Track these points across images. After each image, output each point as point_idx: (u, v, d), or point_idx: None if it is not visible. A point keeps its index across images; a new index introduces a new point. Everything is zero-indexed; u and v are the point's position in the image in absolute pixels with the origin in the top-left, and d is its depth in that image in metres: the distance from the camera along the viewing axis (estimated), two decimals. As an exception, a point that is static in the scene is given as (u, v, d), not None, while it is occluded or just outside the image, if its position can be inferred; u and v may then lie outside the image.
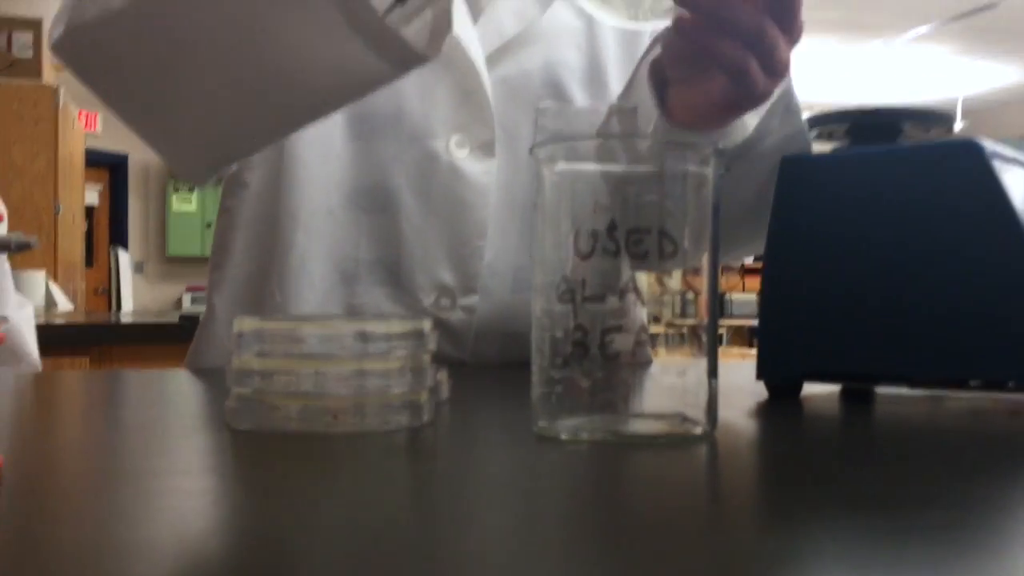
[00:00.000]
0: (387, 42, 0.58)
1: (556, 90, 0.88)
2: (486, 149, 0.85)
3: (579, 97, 0.88)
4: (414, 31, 0.60)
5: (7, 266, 1.53)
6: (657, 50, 0.67)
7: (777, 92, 0.72)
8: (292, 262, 0.84)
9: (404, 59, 0.60)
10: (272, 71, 0.63)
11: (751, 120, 0.70)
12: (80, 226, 4.95)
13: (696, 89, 0.63)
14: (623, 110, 0.71)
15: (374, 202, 0.85)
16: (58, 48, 0.68)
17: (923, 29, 5.98)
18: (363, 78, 0.63)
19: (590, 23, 0.91)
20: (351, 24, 0.57)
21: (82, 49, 0.67)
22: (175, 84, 0.66)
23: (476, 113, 0.84)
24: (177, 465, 0.43)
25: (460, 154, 0.84)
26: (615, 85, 0.88)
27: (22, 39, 4.21)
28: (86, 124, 5.18)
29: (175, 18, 0.61)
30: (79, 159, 4.97)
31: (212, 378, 0.78)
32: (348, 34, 0.57)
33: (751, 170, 0.72)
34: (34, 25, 4.29)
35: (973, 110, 7.72)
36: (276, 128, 0.73)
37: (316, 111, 0.72)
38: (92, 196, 6.43)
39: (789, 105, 0.74)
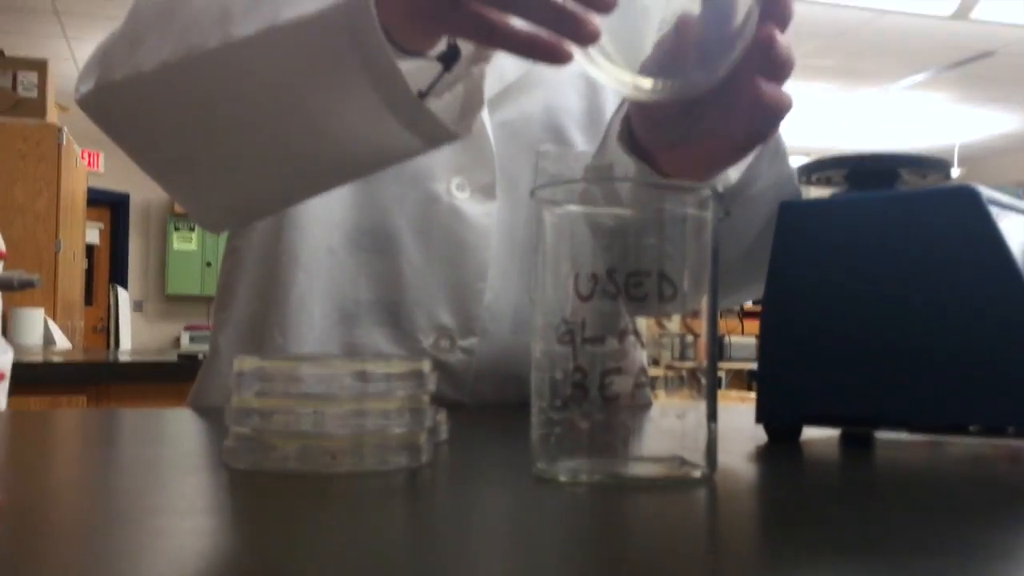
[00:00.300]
0: (422, 123, 0.59)
1: (556, 134, 0.89)
2: (487, 191, 0.85)
3: (579, 141, 0.89)
4: (445, 104, 0.61)
5: None
6: (625, 108, 0.68)
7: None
8: (292, 302, 0.84)
9: (436, 137, 0.61)
10: (303, 142, 0.64)
11: (733, 172, 0.70)
12: (80, 264, 4.96)
13: (697, 148, 0.62)
14: (599, 168, 0.71)
15: (375, 243, 0.85)
16: (85, 103, 0.69)
17: (920, 77, 6.04)
18: (394, 152, 0.65)
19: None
20: (388, 104, 0.57)
21: (110, 107, 0.69)
22: (202, 146, 0.67)
23: (477, 156, 0.84)
24: (175, 504, 0.43)
25: (461, 196, 0.85)
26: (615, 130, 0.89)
27: (27, 79, 4.25)
28: (89, 163, 5.21)
29: (207, 86, 0.62)
30: (81, 198, 4.99)
31: (212, 417, 0.78)
32: (384, 113, 0.58)
33: (743, 217, 0.72)
34: (39, 65, 4.33)
35: (970, 157, 7.77)
36: (302, 192, 0.74)
37: (344, 178, 0.74)
38: (93, 234, 6.45)
39: (777, 150, 0.75)
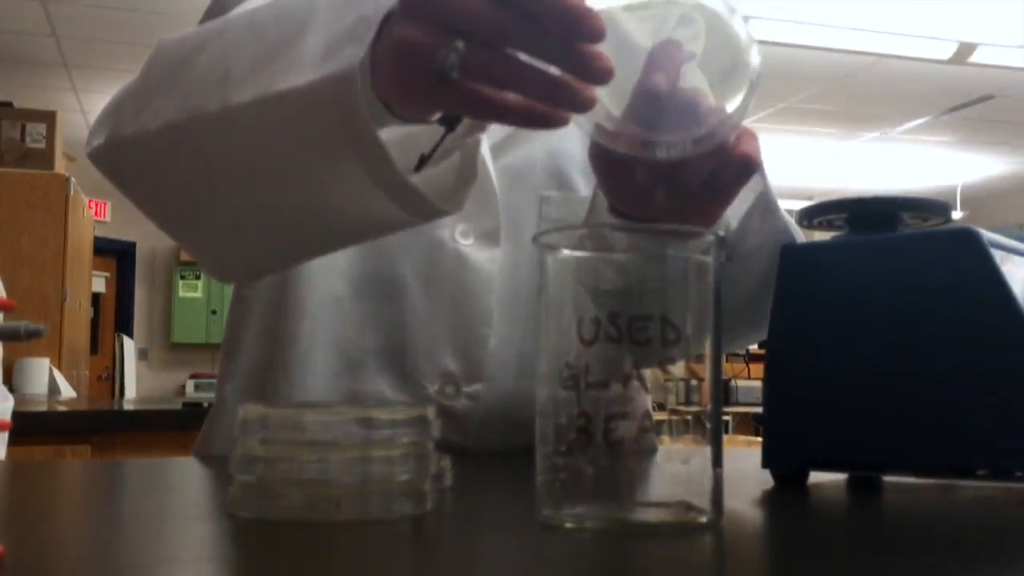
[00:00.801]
0: (410, 199, 0.60)
1: (559, 179, 0.89)
2: (491, 238, 0.86)
3: (582, 186, 0.90)
4: (441, 173, 0.62)
5: None
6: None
7: (752, 195, 0.73)
8: (298, 351, 0.84)
9: (425, 213, 0.62)
10: (298, 208, 0.66)
11: (732, 220, 0.71)
12: (86, 313, 4.97)
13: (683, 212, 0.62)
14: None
15: (380, 290, 0.85)
16: (96, 157, 0.71)
17: (920, 120, 6.08)
18: (387, 223, 0.66)
19: None
20: (375, 180, 0.58)
21: (119, 161, 0.70)
22: (205, 204, 0.68)
23: (482, 202, 0.85)
24: (180, 554, 0.43)
25: (465, 243, 0.85)
26: None
27: (36, 130, 4.30)
28: (96, 212, 5.25)
29: (207, 148, 0.64)
30: (87, 247, 5.02)
31: (216, 466, 0.77)
32: (372, 188, 0.59)
33: (742, 271, 0.73)
34: (47, 117, 4.38)
35: (971, 199, 7.79)
36: (306, 253, 0.76)
37: (343, 243, 0.75)
38: (99, 283, 6.48)
39: (768, 206, 0.76)
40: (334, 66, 0.54)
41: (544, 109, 0.51)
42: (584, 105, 0.50)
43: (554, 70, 0.50)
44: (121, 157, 0.69)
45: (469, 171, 0.64)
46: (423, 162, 0.60)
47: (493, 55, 0.50)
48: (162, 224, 0.73)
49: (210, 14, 0.84)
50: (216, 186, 0.66)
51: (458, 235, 0.86)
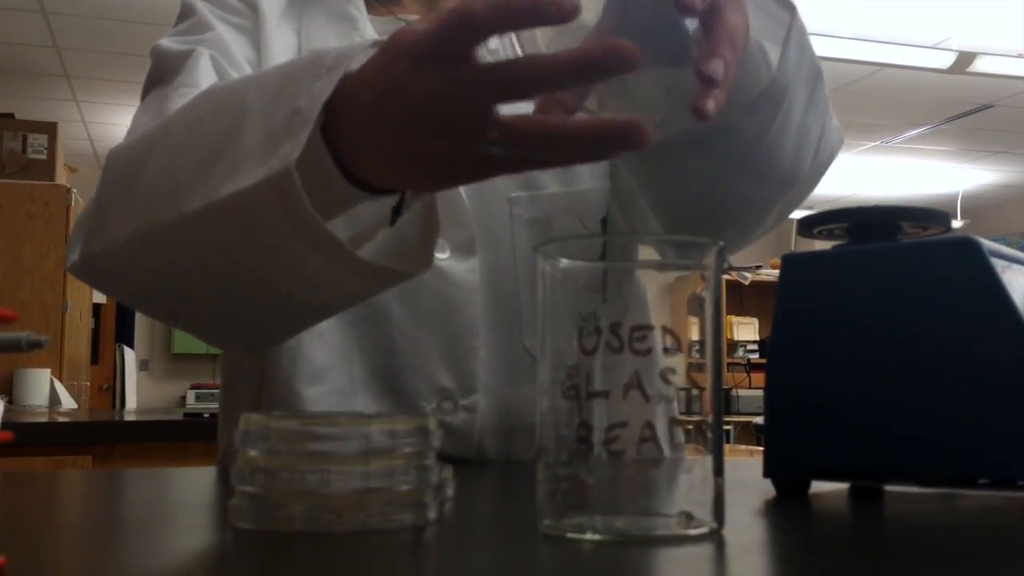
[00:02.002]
0: (377, 275, 0.63)
1: (525, 178, 0.89)
2: (467, 248, 0.86)
3: (548, 182, 0.89)
4: (404, 228, 0.65)
5: None
6: None
7: (782, 28, 0.72)
8: (289, 388, 0.84)
9: (394, 280, 0.65)
10: (271, 298, 0.68)
11: (772, 53, 0.71)
12: (87, 324, 4.97)
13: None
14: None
15: (364, 316, 0.85)
16: (74, 271, 0.74)
17: (920, 129, 6.09)
18: (364, 292, 0.69)
19: None
20: (339, 267, 0.60)
21: (96, 275, 0.74)
22: (187, 301, 0.71)
23: (452, 215, 0.84)
24: (180, 565, 0.43)
25: (442, 256, 0.85)
26: (583, 168, 0.89)
27: (37, 141, 4.31)
28: (97, 223, 5.24)
29: (172, 256, 0.66)
30: (88, 257, 5.02)
31: (217, 476, 0.77)
32: (336, 270, 0.61)
33: (783, 102, 0.74)
34: (48, 128, 4.39)
35: (972, 208, 7.80)
36: (296, 327, 0.78)
37: (331, 313, 0.77)
38: (100, 294, 6.48)
39: (803, 43, 0.75)
40: (274, 165, 0.55)
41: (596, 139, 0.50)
42: (637, 138, 0.49)
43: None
44: (97, 272, 0.73)
45: (431, 221, 0.65)
46: (397, 213, 0.63)
47: (530, 124, 0.50)
48: (157, 318, 0.77)
49: (152, 83, 0.86)
50: (190, 286, 0.68)
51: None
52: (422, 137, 0.52)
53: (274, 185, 0.55)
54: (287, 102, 0.57)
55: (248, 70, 0.86)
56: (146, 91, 0.86)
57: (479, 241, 0.86)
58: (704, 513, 0.46)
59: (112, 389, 5.98)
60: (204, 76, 0.81)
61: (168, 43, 0.86)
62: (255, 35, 0.89)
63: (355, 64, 0.55)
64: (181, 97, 0.78)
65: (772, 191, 0.83)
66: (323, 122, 0.55)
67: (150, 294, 0.73)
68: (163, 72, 0.85)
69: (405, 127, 0.52)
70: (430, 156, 0.52)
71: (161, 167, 0.65)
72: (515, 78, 0.49)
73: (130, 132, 0.81)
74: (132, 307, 0.77)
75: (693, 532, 0.45)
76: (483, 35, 0.49)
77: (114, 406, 5.84)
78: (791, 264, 0.66)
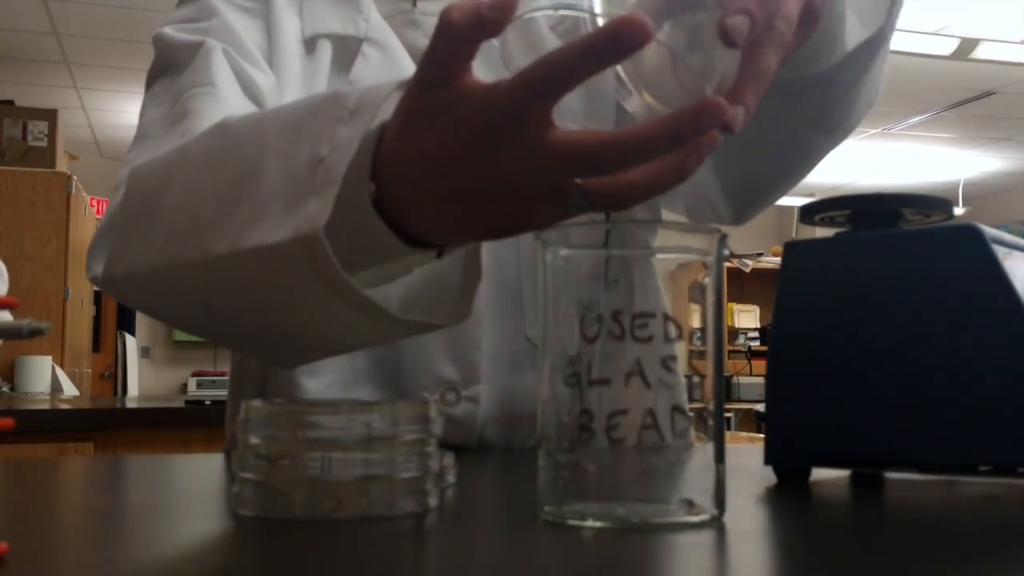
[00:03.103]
0: (411, 326, 0.60)
1: None
2: None
3: None
4: (446, 269, 0.62)
5: None
6: None
7: (867, 32, 0.70)
8: (294, 381, 0.84)
9: (429, 329, 0.63)
10: (301, 334, 0.67)
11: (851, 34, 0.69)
12: (88, 311, 4.98)
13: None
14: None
15: None
16: (96, 284, 0.73)
17: (922, 117, 6.07)
18: (390, 337, 0.69)
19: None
20: (371, 318, 0.58)
21: (121, 294, 0.73)
22: (212, 326, 0.71)
23: None
24: (181, 552, 0.43)
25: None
26: None
27: (37, 128, 4.30)
28: (98, 210, 5.25)
29: (196, 289, 0.64)
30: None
31: (219, 463, 0.78)
32: (369, 323, 0.59)
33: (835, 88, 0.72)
34: (49, 115, 4.38)
35: (974, 195, 7.79)
36: (321, 357, 0.77)
37: (350, 350, 0.77)
38: (101, 281, 6.49)
39: (883, 53, 0.73)
40: (301, 227, 0.52)
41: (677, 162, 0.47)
42: (729, 120, 0.46)
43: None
44: (121, 291, 0.72)
45: (475, 269, 0.62)
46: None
47: (607, 180, 0.48)
48: (185, 332, 0.76)
49: (158, 72, 0.84)
50: (217, 316, 0.67)
51: None
52: (495, 207, 0.49)
53: (302, 248, 0.53)
54: (308, 145, 0.54)
55: (260, 59, 0.84)
56: (151, 81, 0.84)
57: None
58: (705, 500, 0.46)
59: (114, 376, 5.99)
60: (219, 74, 0.79)
61: (173, 32, 0.84)
62: (264, 17, 0.86)
63: (385, 110, 0.52)
64: (196, 99, 0.76)
65: (834, 142, 0.80)
66: (372, 193, 0.52)
67: (176, 317, 0.73)
68: (169, 62, 0.83)
69: (476, 199, 0.49)
70: (500, 218, 0.50)
71: (181, 199, 0.63)
72: (603, 159, 0.46)
73: (141, 129, 0.79)
74: (157, 321, 0.78)
75: (694, 519, 0.46)
76: (564, 90, 0.45)
77: (115, 393, 5.85)
78: (793, 252, 0.66)
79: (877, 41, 0.71)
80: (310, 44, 0.87)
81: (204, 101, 0.76)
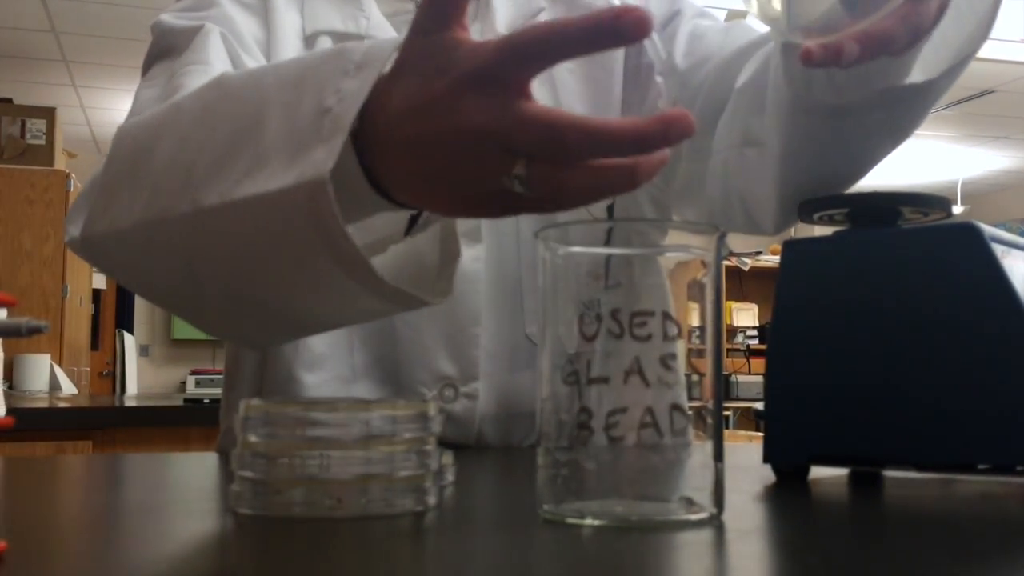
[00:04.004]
0: (395, 296, 0.59)
1: None
2: (473, 235, 0.85)
3: None
4: (423, 245, 0.62)
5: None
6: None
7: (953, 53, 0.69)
8: (291, 374, 0.84)
9: (415, 304, 0.62)
10: (279, 301, 0.65)
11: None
12: (87, 309, 4.97)
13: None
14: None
15: None
16: (74, 248, 0.71)
17: (921, 115, 6.07)
18: (377, 312, 0.67)
19: (555, 92, 0.92)
20: (357, 282, 0.57)
21: (97, 255, 0.71)
22: (191, 292, 0.67)
23: None
24: (180, 550, 0.43)
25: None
26: None
27: (36, 126, 4.30)
28: (96, 209, 5.24)
29: (184, 244, 0.63)
30: (88, 243, 5.01)
31: (218, 462, 0.78)
32: (354, 288, 0.58)
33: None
34: (47, 113, 4.38)
35: (972, 194, 7.79)
36: (299, 334, 0.76)
37: (339, 325, 0.75)
38: (99, 279, 6.48)
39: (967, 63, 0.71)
40: (305, 171, 0.52)
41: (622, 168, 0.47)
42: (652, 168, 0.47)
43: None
44: (98, 251, 0.70)
45: (452, 246, 0.63)
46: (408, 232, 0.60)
47: (557, 169, 0.47)
48: (156, 304, 0.74)
49: (155, 57, 0.84)
50: (197, 278, 0.65)
51: None
52: (451, 160, 0.49)
53: (305, 193, 0.52)
54: (312, 97, 0.54)
55: (257, 52, 0.84)
56: (147, 66, 0.84)
57: (485, 227, 0.86)
58: (704, 498, 0.46)
59: (112, 375, 5.99)
60: (215, 53, 0.79)
61: (171, 18, 0.84)
62: (263, 13, 0.87)
63: (386, 65, 0.52)
64: (190, 75, 0.76)
65: (892, 150, 0.79)
66: (354, 127, 0.52)
67: (153, 281, 0.70)
68: (167, 47, 0.83)
69: (437, 148, 0.49)
70: (455, 181, 0.50)
71: (173, 152, 0.62)
72: (566, 139, 0.45)
73: (135, 108, 0.79)
74: (131, 290, 0.74)
75: (693, 517, 0.46)
76: (550, 62, 0.46)
77: (114, 392, 5.85)
78: (791, 250, 0.66)
79: (970, 57, 0.70)
80: (310, 41, 0.87)
81: (198, 77, 0.75)
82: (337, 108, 0.52)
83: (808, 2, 0.62)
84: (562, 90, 0.90)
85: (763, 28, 0.72)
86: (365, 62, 0.53)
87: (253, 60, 0.83)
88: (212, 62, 0.78)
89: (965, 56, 0.69)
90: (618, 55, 0.93)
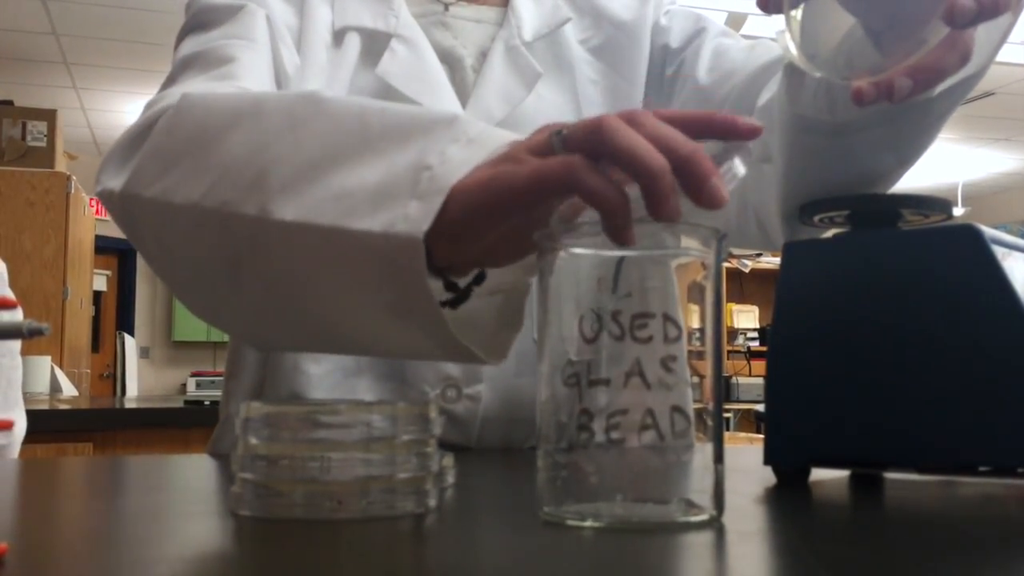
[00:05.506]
0: (457, 352, 0.58)
1: None
2: None
3: None
4: (483, 309, 0.61)
5: (19, 360, 1.50)
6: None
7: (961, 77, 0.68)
8: (295, 368, 0.84)
9: (459, 359, 0.60)
10: (325, 322, 0.63)
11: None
12: (88, 311, 4.97)
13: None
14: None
15: None
16: (108, 201, 0.67)
17: (921, 117, 6.06)
18: (420, 354, 0.67)
19: (576, 103, 0.92)
20: (424, 334, 0.57)
21: (135, 217, 0.67)
22: (226, 290, 0.65)
23: None
24: (181, 552, 0.43)
25: None
26: None
27: (37, 128, 4.30)
28: (97, 211, 5.25)
29: (238, 244, 0.60)
30: (89, 245, 5.02)
31: (219, 464, 0.77)
32: (421, 340, 0.58)
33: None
34: (48, 115, 4.39)
35: (973, 196, 7.78)
36: (321, 350, 0.75)
37: (367, 354, 0.76)
38: (100, 281, 6.49)
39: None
40: (397, 224, 0.52)
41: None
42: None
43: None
44: (135, 216, 0.66)
45: (514, 318, 0.62)
46: (455, 298, 0.59)
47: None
48: (174, 287, 0.70)
49: (190, 30, 0.84)
50: (239, 279, 0.62)
51: None
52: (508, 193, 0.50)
53: (395, 246, 0.52)
54: (414, 151, 0.53)
55: (290, 41, 0.85)
56: (181, 38, 0.84)
57: None
58: (704, 500, 0.46)
59: (113, 376, 5.99)
60: (260, 34, 0.80)
61: None
62: (299, 5, 0.88)
63: (495, 150, 0.53)
64: (238, 48, 0.76)
65: (902, 172, 0.78)
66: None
67: (184, 266, 0.67)
68: (206, 20, 0.83)
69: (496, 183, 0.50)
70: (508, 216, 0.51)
71: (250, 149, 0.60)
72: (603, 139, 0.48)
73: (177, 69, 0.78)
74: (150, 264, 0.69)
75: (693, 519, 0.46)
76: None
77: (115, 393, 5.85)
78: (792, 252, 0.66)
79: (978, 77, 0.70)
80: (339, 36, 0.88)
81: (247, 52, 0.75)
82: (439, 169, 0.52)
83: (821, 35, 0.62)
84: (584, 101, 0.91)
85: None
86: (479, 138, 0.53)
87: (287, 49, 0.84)
88: (258, 41, 0.78)
89: (967, 76, 0.69)
90: (641, 67, 0.95)
